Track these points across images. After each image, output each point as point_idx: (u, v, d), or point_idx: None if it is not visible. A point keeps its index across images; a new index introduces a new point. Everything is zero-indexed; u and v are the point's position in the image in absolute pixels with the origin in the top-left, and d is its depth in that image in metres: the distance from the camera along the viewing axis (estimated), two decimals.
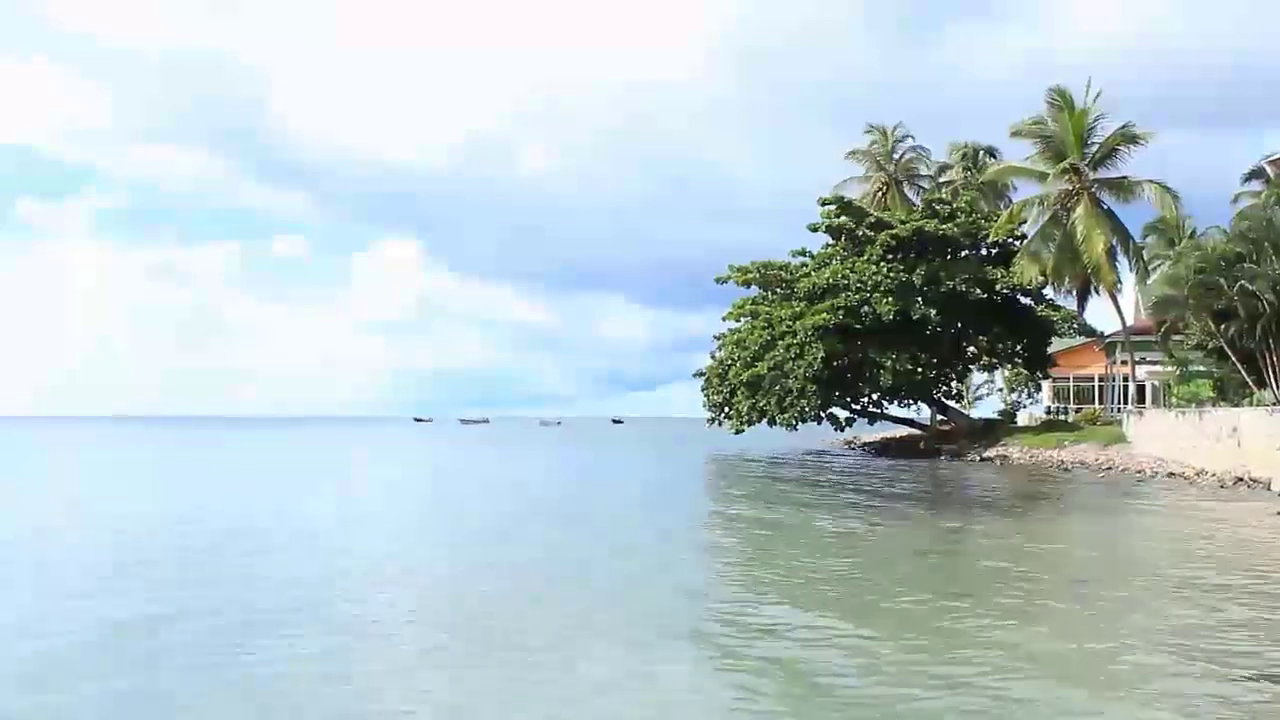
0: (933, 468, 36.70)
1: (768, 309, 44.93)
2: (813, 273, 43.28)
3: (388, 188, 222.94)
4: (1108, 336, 45.52)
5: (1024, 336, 43.39)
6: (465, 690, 8.12)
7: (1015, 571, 13.82)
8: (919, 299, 41.20)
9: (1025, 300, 43.65)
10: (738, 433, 46.13)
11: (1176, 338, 32.55)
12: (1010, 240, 42.76)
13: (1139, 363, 40.87)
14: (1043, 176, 39.68)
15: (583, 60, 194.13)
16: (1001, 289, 41.67)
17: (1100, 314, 65.86)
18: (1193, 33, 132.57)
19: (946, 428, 47.22)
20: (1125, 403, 41.51)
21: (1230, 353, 29.27)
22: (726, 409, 46.26)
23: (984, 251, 44.11)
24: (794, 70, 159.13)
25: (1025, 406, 54.26)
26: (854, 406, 46.22)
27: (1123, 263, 39.61)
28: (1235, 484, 24.83)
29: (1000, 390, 57.78)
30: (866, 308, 40.68)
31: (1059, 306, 44.38)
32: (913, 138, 54.39)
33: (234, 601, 11.40)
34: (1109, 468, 32.05)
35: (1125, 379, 42.00)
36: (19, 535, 18.18)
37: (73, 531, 18.90)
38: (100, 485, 32.40)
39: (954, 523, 19.63)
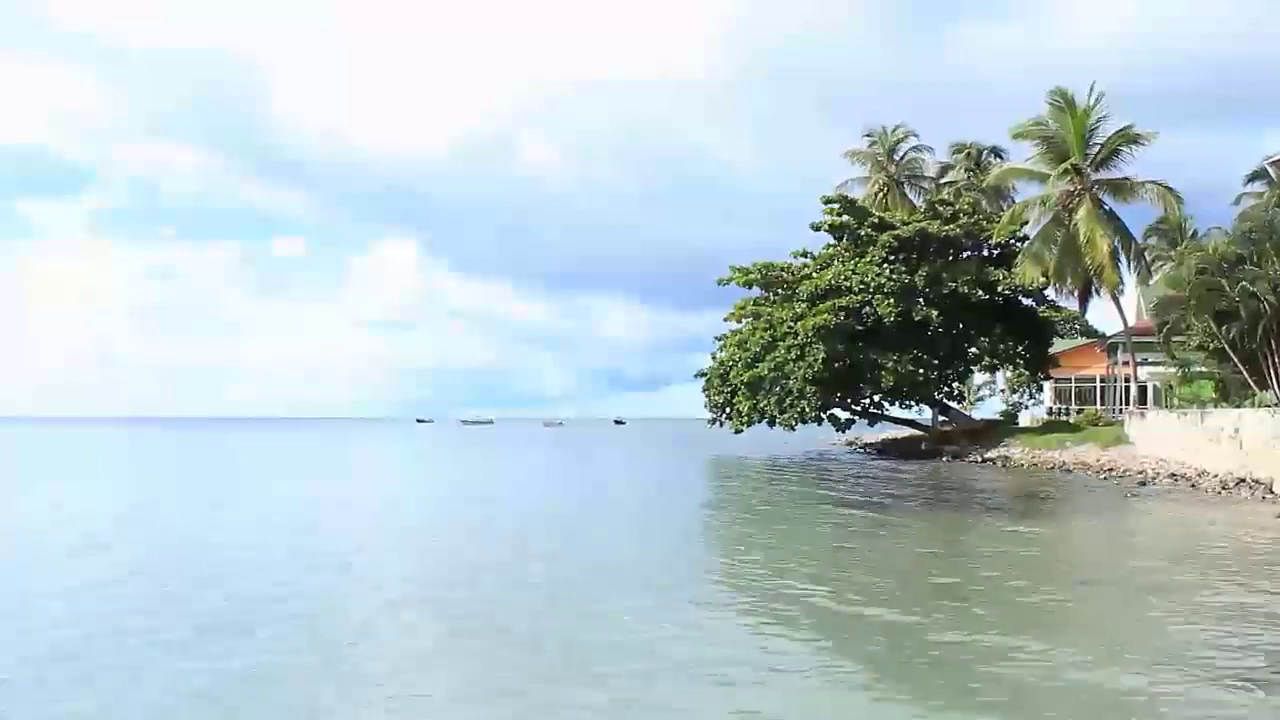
0: (934, 469, 36.65)
1: (769, 310, 44.92)
2: (814, 274, 43.25)
3: (388, 186, 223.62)
4: (1109, 337, 45.45)
5: (1025, 337, 43.33)
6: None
7: (1016, 574, 13.80)
8: (920, 300, 41.18)
9: (1027, 301, 43.61)
10: (737, 433, 46.28)
11: (1178, 339, 32.47)
12: (1012, 241, 42.74)
13: (1140, 364, 40.79)
14: (1044, 178, 39.63)
15: (583, 58, 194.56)
16: (1003, 290, 41.65)
17: (1102, 315, 65.77)
18: (1194, 33, 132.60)
19: (948, 429, 47.17)
20: (1127, 404, 41.42)
21: (1232, 354, 29.20)
22: (727, 410, 46.30)
23: (986, 252, 44.09)
24: (796, 69, 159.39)
25: (1027, 407, 54.18)
26: (855, 407, 46.22)
27: (1124, 263, 39.59)
28: (1237, 485, 24.75)
29: (1002, 391, 57.74)
30: (868, 309, 40.66)
31: (1060, 307, 44.33)
32: (916, 136, 54.43)
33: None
34: (1110, 469, 31.96)
35: (1127, 380, 41.93)
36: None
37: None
38: (100, 490, 32.42)
39: (955, 525, 19.62)
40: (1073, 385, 51.00)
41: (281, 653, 9.24)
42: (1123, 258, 39.24)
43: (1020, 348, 43.21)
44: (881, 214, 45.26)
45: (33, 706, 7.71)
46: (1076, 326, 45.08)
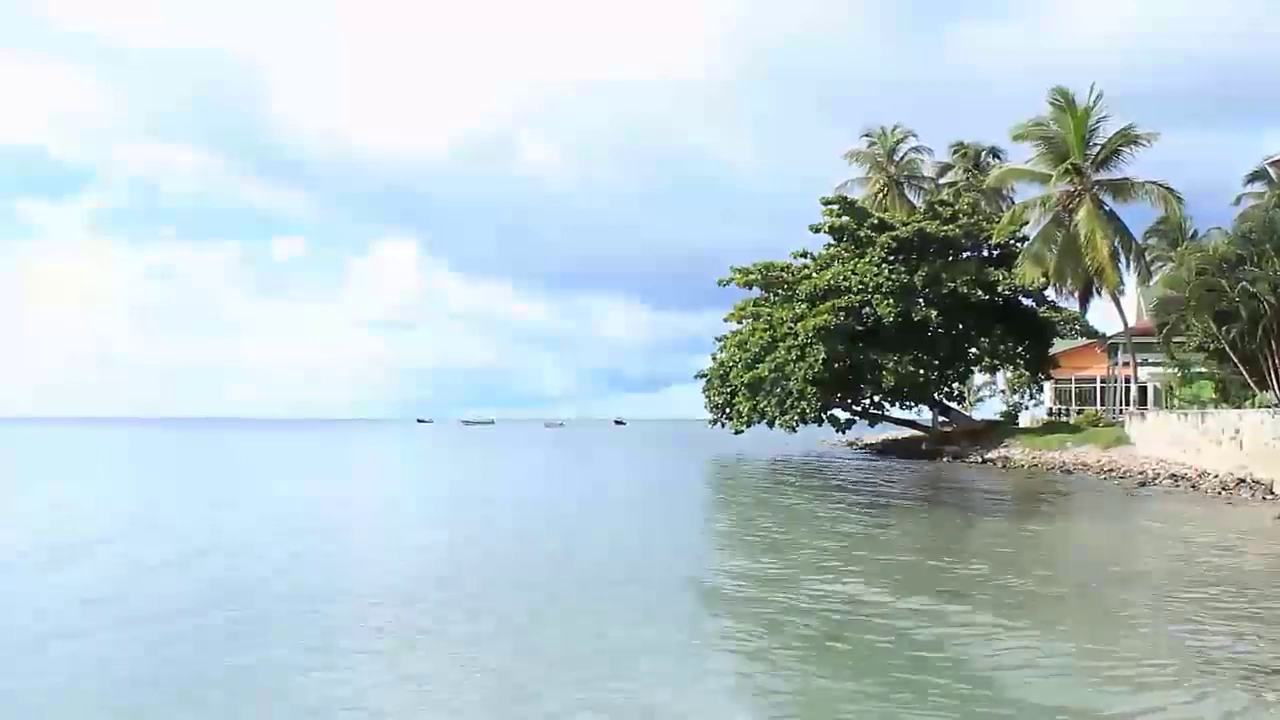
0: (934, 469, 36.66)
1: (769, 310, 44.94)
2: (814, 274, 43.26)
3: (388, 186, 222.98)
4: (1109, 338, 45.45)
5: (1026, 338, 43.34)
6: None
7: (1016, 575, 13.80)
8: (920, 300, 41.20)
9: (1027, 302, 43.64)
10: (738, 433, 46.37)
11: (1178, 339, 32.48)
12: (1012, 242, 42.75)
13: (1141, 364, 40.80)
14: (1044, 178, 39.64)
15: (583, 58, 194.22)
16: (1003, 290, 41.66)
17: (1102, 315, 65.58)
18: (1194, 33, 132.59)
19: (948, 429, 47.18)
20: (1127, 404, 41.43)
21: (1231, 354, 29.22)
22: (727, 410, 46.35)
23: (986, 253, 44.10)
24: (796, 69, 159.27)
25: (1027, 408, 54.21)
26: (855, 408, 46.23)
27: (1124, 264, 39.57)
28: (1237, 485, 24.77)
29: (1002, 392, 57.77)
30: (868, 309, 40.68)
31: (1060, 308, 44.36)
32: (916, 136, 54.49)
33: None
34: (1111, 469, 31.98)
35: (1127, 380, 41.94)
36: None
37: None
38: (101, 491, 32.43)
39: (955, 525, 19.62)
40: (1073, 386, 51.00)
41: (282, 651, 9.25)
42: (1123, 258, 39.22)
43: (1020, 348, 43.23)
44: (881, 214, 45.27)
45: (31, 705, 7.73)
46: (1076, 327, 45.11)
